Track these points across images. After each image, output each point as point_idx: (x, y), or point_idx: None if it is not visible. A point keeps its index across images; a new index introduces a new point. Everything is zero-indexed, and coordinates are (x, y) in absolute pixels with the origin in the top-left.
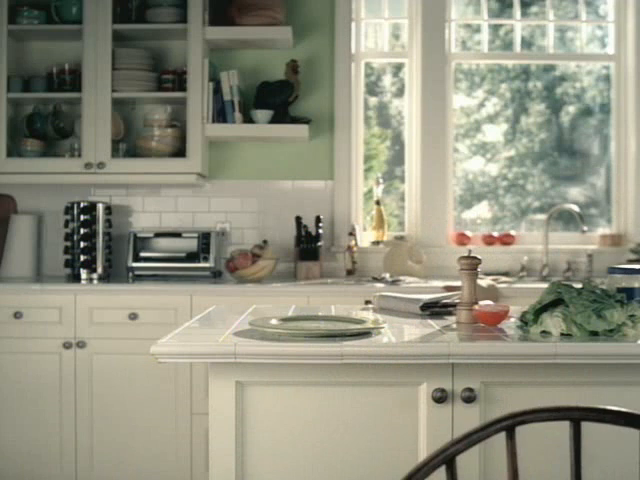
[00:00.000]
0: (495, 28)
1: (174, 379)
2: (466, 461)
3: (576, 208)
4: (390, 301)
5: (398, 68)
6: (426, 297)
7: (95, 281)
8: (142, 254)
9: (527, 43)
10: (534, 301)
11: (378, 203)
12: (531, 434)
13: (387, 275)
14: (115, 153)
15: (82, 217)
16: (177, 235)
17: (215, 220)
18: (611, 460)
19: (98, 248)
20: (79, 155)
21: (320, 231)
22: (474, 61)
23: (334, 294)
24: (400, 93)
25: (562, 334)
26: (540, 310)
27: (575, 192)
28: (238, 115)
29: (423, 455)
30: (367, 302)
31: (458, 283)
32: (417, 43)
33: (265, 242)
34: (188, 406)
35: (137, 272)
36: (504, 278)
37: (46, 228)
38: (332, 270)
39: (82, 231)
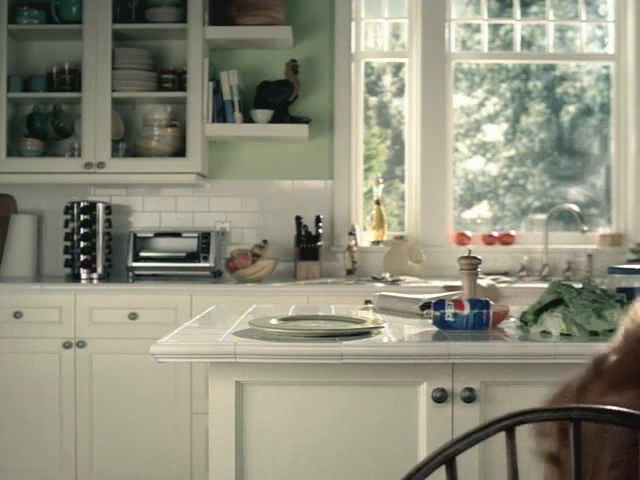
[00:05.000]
0: (495, 28)
1: (174, 379)
2: (466, 461)
3: (576, 208)
4: (390, 301)
5: (398, 68)
6: (426, 297)
7: (95, 281)
8: (142, 254)
9: (527, 43)
10: (534, 301)
11: (378, 203)
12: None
13: (387, 275)
14: (115, 153)
15: (82, 217)
16: (177, 235)
17: (215, 220)
18: None
19: (98, 248)
20: (79, 155)
21: (320, 231)
22: (474, 61)
23: (334, 294)
24: (400, 93)
25: (562, 334)
26: (540, 310)
27: (575, 192)
28: (238, 115)
29: (423, 455)
30: (367, 302)
31: (458, 283)
32: (417, 43)
33: (265, 242)
34: (188, 406)
35: (137, 272)
36: (504, 278)
37: (46, 228)
38: (332, 270)
39: (82, 231)
